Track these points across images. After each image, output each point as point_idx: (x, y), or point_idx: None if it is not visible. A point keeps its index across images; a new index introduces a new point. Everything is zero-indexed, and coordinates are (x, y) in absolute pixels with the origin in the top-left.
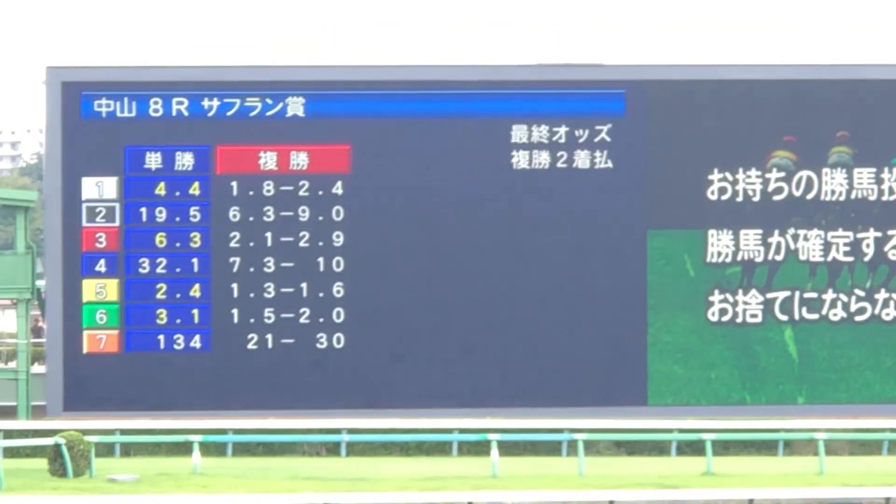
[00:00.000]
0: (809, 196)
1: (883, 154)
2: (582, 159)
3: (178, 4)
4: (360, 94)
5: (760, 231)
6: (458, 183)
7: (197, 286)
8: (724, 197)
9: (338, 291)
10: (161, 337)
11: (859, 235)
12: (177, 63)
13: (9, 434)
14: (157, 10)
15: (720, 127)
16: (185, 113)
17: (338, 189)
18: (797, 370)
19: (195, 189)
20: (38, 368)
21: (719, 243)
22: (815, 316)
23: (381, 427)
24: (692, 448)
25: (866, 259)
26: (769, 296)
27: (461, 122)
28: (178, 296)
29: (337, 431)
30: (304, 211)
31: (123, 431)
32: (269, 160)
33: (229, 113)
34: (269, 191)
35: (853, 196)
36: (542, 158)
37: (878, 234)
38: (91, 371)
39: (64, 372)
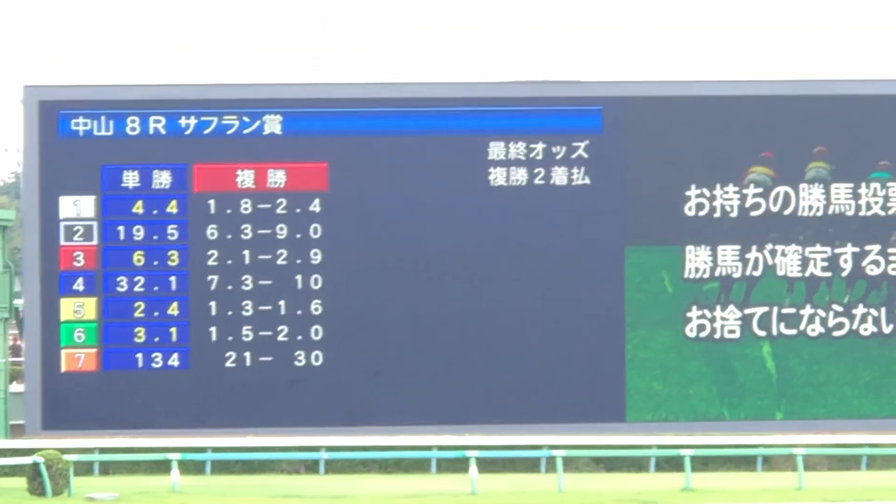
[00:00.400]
0: (787, 211)
1: (860, 169)
2: (559, 176)
3: (154, 23)
4: (338, 111)
5: (738, 247)
6: (435, 200)
7: (175, 304)
8: (702, 213)
9: (316, 309)
10: (139, 355)
11: (837, 251)
12: (154, 82)
13: None
14: (134, 28)
15: (697, 143)
16: (163, 131)
17: (315, 206)
18: (775, 385)
19: (173, 207)
20: (16, 387)
21: (697, 259)
22: (793, 331)
23: (360, 444)
24: (671, 464)
25: (844, 274)
26: (747, 311)
27: (438, 140)
28: (156, 314)
29: (316, 449)
30: (281, 229)
31: (102, 450)
32: (246, 178)
33: (206, 131)
34: (246, 209)
35: (831, 211)
36: (520, 175)
37: (856, 250)
38: (69, 389)
39: (42, 390)
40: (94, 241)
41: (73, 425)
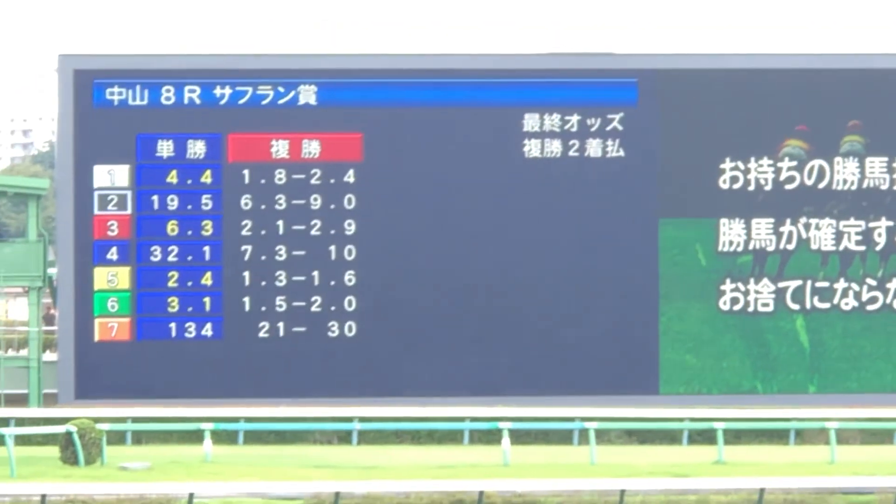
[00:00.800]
0: (821, 185)
1: (895, 143)
2: (594, 148)
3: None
4: (373, 82)
5: (772, 220)
6: (470, 171)
7: (209, 274)
8: (736, 186)
9: (349, 280)
10: (173, 325)
11: (871, 225)
12: (189, 51)
13: (21, 422)
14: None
15: (732, 116)
16: (197, 101)
17: (350, 177)
18: (808, 359)
19: (207, 177)
20: (49, 356)
21: (731, 232)
22: (826, 305)
23: (393, 415)
24: (703, 437)
25: (878, 248)
26: (781, 285)
27: (473, 111)
28: (189, 284)
29: (348, 419)
30: (315, 199)
31: (135, 419)
32: (281, 148)
33: (241, 101)
34: (280, 179)
35: (865, 185)
36: (554, 147)
37: (890, 224)
38: (103, 359)
39: (76, 360)
40: (129, 211)
41: (106, 394)
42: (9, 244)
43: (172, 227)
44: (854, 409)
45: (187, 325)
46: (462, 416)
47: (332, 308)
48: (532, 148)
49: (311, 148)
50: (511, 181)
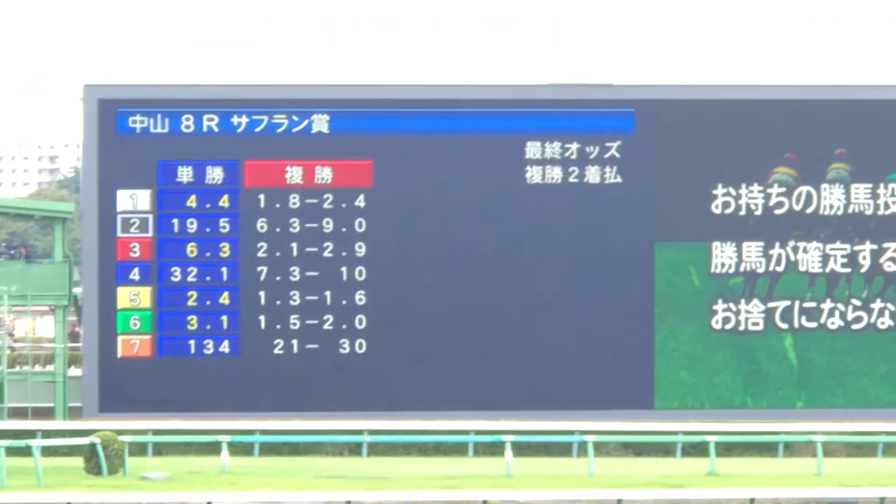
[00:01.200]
0: (809, 210)
1: (879, 170)
2: (593, 174)
3: (208, 24)
4: (382, 111)
5: (762, 243)
6: (474, 196)
7: (226, 294)
8: (728, 211)
9: (360, 299)
10: (192, 342)
11: (856, 248)
12: (208, 81)
13: (47, 434)
14: (188, 28)
15: (724, 144)
16: (216, 129)
17: (360, 202)
18: (797, 376)
19: (224, 202)
20: (74, 371)
21: (723, 255)
22: (814, 324)
23: (401, 428)
24: (696, 449)
25: (863, 270)
26: (770, 305)
27: (478, 139)
28: (208, 303)
29: (359, 432)
30: (328, 223)
31: (156, 432)
32: (294, 174)
33: (257, 129)
34: (294, 203)
35: (850, 210)
36: (555, 173)
37: (875, 247)
38: (125, 374)
39: (99, 375)
40: (150, 233)
41: (129, 408)
42: (36, 265)
43: (192, 249)
44: (840, 423)
45: (205, 342)
46: (467, 430)
47: (344, 326)
48: (534, 174)
49: (324, 174)
50: (513, 206)
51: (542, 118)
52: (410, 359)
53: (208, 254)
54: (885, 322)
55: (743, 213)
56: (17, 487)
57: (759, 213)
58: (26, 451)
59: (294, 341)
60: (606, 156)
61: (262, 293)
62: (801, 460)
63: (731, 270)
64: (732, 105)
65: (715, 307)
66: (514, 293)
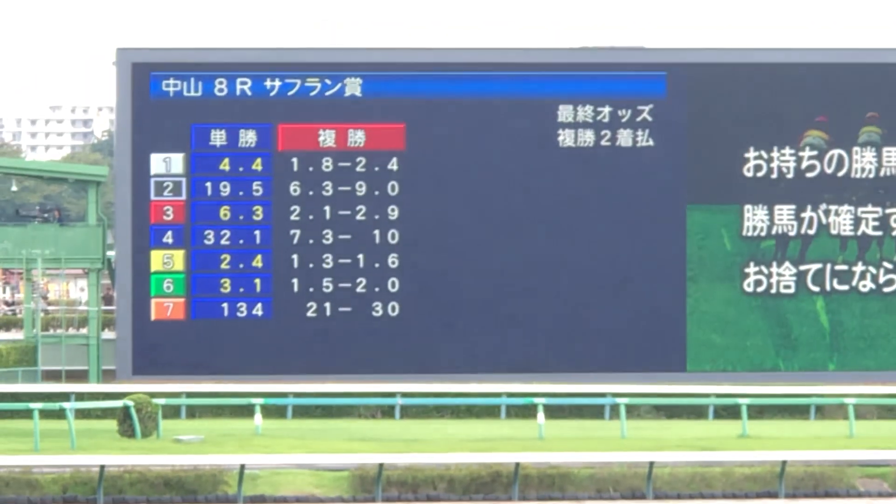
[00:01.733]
0: (840, 173)
1: None
2: (625, 138)
3: None
4: (415, 75)
5: (794, 207)
6: (506, 159)
7: (259, 257)
8: (760, 174)
9: (393, 262)
10: (225, 305)
11: (888, 211)
12: (241, 45)
13: (80, 397)
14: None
15: (755, 108)
16: (249, 93)
17: (393, 165)
18: (828, 339)
19: (258, 165)
20: (108, 334)
21: (755, 218)
22: (845, 287)
23: (434, 391)
24: (728, 412)
25: (894, 233)
26: (802, 268)
27: (510, 102)
28: (241, 266)
29: (391, 395)
30: (360, 186)
31: (189, 394)
32: (327, 138)
33: (290, 93)
34: (327, 167)
35: (882, 174)
36: (587, 137)
37: None
38: (158, 337)
39: (133, 338)
40: (183, 197)
41: (162, 371)
42: (70, 228)
43: (225, 213)
44: (871, 386)
45: (239, 305)
46: (499, 392)
47: (377, 289)
48: (566, 138)
49: (357, 137)
50: (546, 169)
51: (575, 81)
52: (443, 322)
53: (241, 217)
54: None
55: (775, 176)
56: (51, 450)
57: (790, 176)
58: (60, 414)
59: (327, 304)
60: (638, 119)
61: (294, 256)
62: (832, 423)
63: (763, 234)
64: (764, 68)
65: (747, 270)
66: (545, 256)
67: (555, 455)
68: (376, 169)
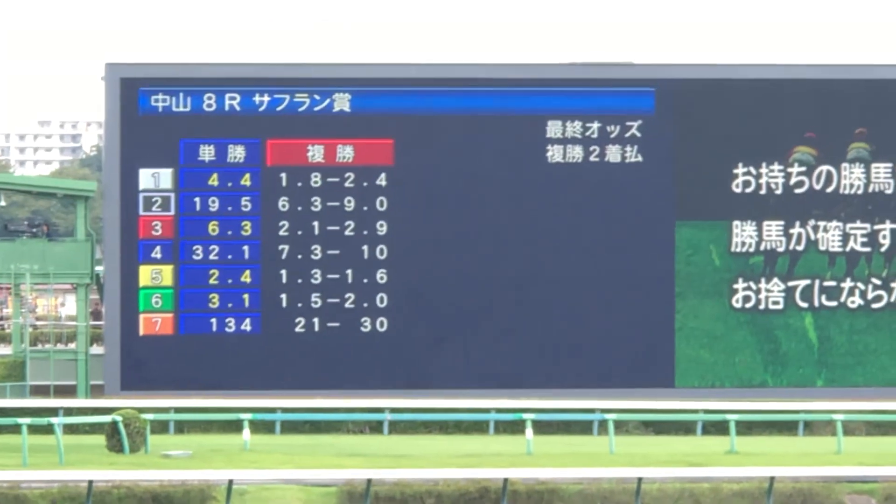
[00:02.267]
0: (829, 189)
1: None
2: (613, 153)
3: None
4: (403, 90)
5: (782, 222)
6: (495, 175)
7: (248, 272)
8: (748, 190)
9: (381, 277)
10: (213, 320)
11: (876, 227)
12: (229, 60)
13: (69, 412)
14: (210, 6)
15: (744, 123)
16: (238, 108)
17: (381, 181)
18: (816, 355)
19: (246, 180)
20: (96, 349)
21: (743, 234)
22: (833, 303)
23: (422, 406)
24: (717, 428)
25: (883, 249)
26: (790, 284)
27: (499, 118)
28: (229, 281)
29: (380, 410)
30: (349, 201)
31: (177, 409)
32: (316, 153)
33: (279, 108)
34: (316, 182)
35: (870, 190)
36: (576, 152)
37: (895, 226)
38: (147, 352)
39: (121, 353)
40: (172, 212)
41: (150, 386)
42: (59, 243)
43: (213, 228)
44: (860, 402)
45: (227, 320)
46: (488, 408)
47: (365, 304)
48: (555, 153)
49: (346, 153)
50: (534, 185)
51: (563, 97)
52: (431, 337)
53: (230, 232)
54: None
55: (763, 192)
56: (40, 465)
57: (779, 192)
58: (48, 429)
59: (315, 319)
60: (627, 135)
61: (283, 271)
62: (820, 439)
63: (752, 249)
64: (752, 84)
65: (735, 286)
66: (533, 272)
67: (543, 471)
68: (365, 184)
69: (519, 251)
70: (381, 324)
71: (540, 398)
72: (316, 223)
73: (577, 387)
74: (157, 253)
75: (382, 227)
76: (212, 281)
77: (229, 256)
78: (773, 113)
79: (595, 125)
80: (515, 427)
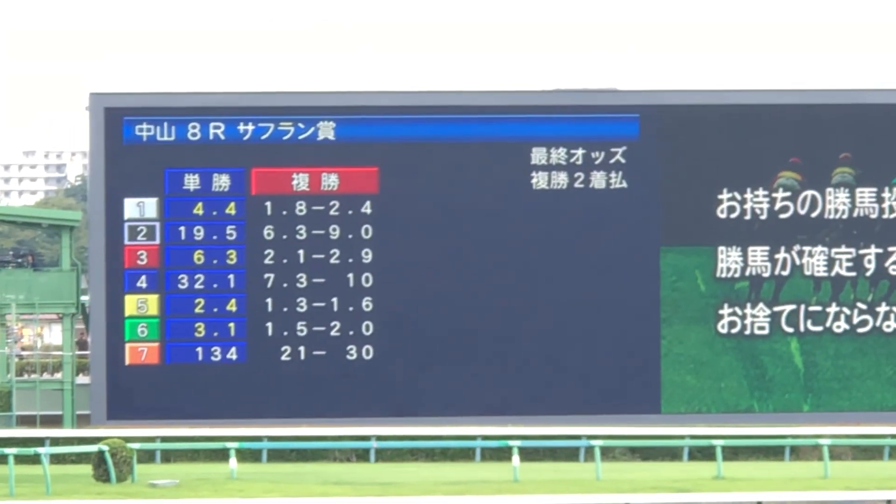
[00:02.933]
0: (814, 214)
1: (884, 174)
2: (598, 180)
3: (210, 34)
4: (388, 118)
5: (768, 248)
6: (480, 202)
7: (233, 301)
8: (733, 215)
9: (367, 305)
10: (199, 349)
11: (861, 252)
12: (214, 89)
13: (55, 441)
14: (193, 38)
15: (729, 149)
16: (222, 137)
17: (367, 208)
18: (802, 380)
19: (231, 209)
20: (82, 379)
21: (728, 259)
22: (819, 328)
23: (408, 434)
24: (703, 453)
25: (868, 274)
26: (776, 309)
27: (483, 145)
28: (215, 310)
29: (366, 438)
30: (334, 229)
31: (164, 439)
32: (301, 181)
33: (264, 137)
34: (301, 210)
35: (855, 214)
36: (561, 179)
37: (879, 251)
38: (133, 382)
39: (107, 382)
40: (157, 241)
41: (137, 415)
42: (44, 273)
43: (199, 257)
44: (846, 427)
45: (213, 349)
46: (474, 435)
47: (351, 332)
48: (539, 180)
49: (330, 181)
50: (519, 212)
51: (548, 124)
52: (417, 365)
53: (215, 261)
54: (890, 325)
55: (748, 217)
56: (27, 495)
57: (764, 217)
58: (35, 459)
59: (301, 348)
60: (611, 161)
61: (269, 300)
62: (807, 464)
63: (737, 275)
64: (737, 110)
65: (721, 311)
66: (519, 299)
67: (530, 498)
68: (350, 212)
69: (504, 278)
70: (367, 351)
71: (526, 425)
72: (301, 251)
73: (564, 413)
74: (142, 282)
75: (367, 255)
76: (197, 310)
77: (215, 285)
78: (758, 138)
79: (580, 152)
80: (502, 454)
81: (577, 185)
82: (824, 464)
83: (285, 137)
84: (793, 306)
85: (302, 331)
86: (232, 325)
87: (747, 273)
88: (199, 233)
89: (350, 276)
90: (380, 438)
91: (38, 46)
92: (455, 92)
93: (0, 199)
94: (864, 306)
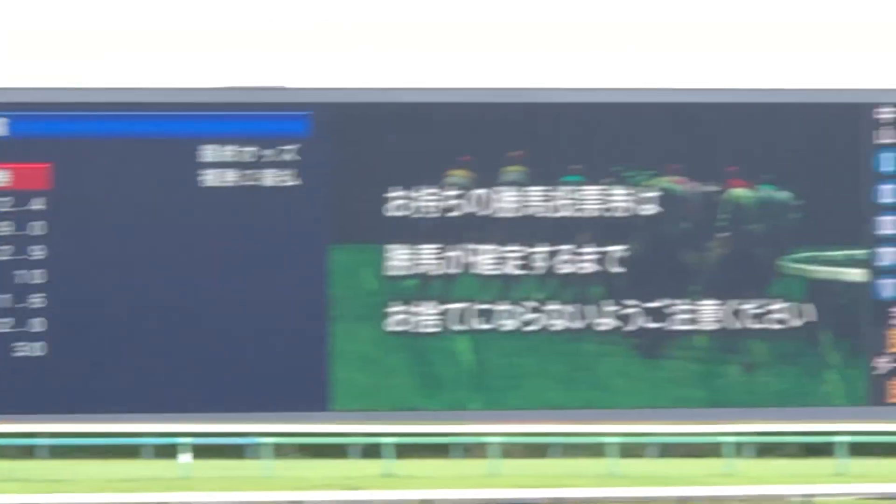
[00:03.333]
0: (484, 212)
1: (553, 173)
2: (268, 178)
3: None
4: (62, 115)
5: (437, 246)
6: (151, 200)
7: None
8: (403, 213)
9: (40, 302)
10: None
11: (530, 250)
12: None
13: None
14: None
15: (400, 147)
16: None
17: (41, 205)
18: (472, 378)
19: None
20: None
21: (398, 257)
22: (489, 326)
23: (81, 431)
24: (373, 451)
25: (537, 273)
26: (445, 307)
27: (153, 142)
28: None
29: (38, 436)
30: (9, 226)
31: None
32: None
33: None
34: None
35: (525, 213)
36: (230, 176)
37: (549, 249)
38: None
39: None
40: None
41: None
42: None
43: None
44: (514, 425)
45: None
46: (145, 432)
47: (22, 329)
48: (208, 177)
49: (2, 177)
50: (189, 209)
51: (217, 122)
52: (90, 362)
53: None
54: (558, 324)
55: (418, 215)
56: None
57: (434, 215)
58: None
59: None
60: (282, 159)
61: None
62: (478, 461)
63: (407, 273)
64: (410, 108)
65: (390, 309)
66: (190, 297)
67: (199, 494)
68: (23, 209)
69: (174, 276)
70: (41, 348)
71: (200, 422)
72: None
73: (234, 411)
74: None
75: (42, 252)
76: None
77: None
78: (429, 136)
79: (250, 149)
80: (172, 452)
81: (246, 182)
82: (494, 461)
83: None
84: (463, 304)
85: None
86: None
87: (417, 271)
88: None
89: (22, 272)
90: (52, 435)
91: None
92: (128, 89)
93: None
94: (532, 304)
